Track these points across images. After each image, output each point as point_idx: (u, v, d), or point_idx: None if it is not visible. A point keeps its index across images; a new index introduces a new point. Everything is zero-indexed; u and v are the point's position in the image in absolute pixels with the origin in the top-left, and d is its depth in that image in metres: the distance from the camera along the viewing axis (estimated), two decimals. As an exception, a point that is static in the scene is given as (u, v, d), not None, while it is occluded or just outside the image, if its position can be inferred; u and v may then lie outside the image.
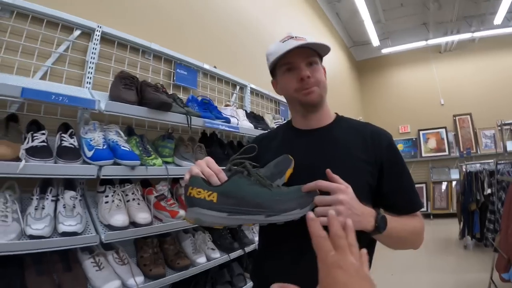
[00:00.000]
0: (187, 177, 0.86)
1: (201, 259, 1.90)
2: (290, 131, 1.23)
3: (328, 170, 0.90)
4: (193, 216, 0.81)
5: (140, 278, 1.55)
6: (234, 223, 0.85)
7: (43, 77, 1.69)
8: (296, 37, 1.09)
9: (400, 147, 9.11)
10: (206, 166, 0.88)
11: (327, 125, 1.17)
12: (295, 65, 1.10)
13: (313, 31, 6.36)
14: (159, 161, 1.72)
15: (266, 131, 1.42)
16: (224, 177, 0.87)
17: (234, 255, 2.17)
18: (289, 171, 1.01)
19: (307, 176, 0.96)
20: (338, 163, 1.04)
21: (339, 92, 7.84)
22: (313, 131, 1.16)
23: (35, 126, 1.49)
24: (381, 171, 1.07)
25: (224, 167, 0.92)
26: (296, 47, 1.05)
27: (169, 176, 1.73)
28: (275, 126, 2.77)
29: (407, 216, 1.08)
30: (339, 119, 1.22)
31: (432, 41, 8.59)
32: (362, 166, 1.06)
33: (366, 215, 0.88)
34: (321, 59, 1.17)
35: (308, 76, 1.07)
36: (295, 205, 0.85)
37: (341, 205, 0.81)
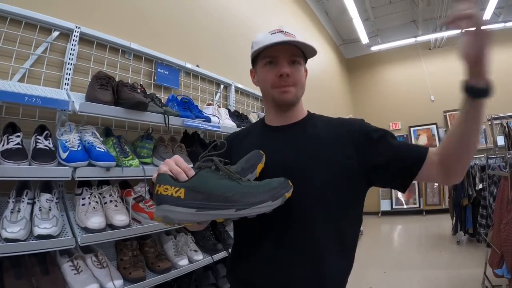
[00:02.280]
0: (155, 176, 0.84)
1: (183, 262, 1.88)
2: (263, 128, 1.22)
3: None
4: (161, 214, 0.78)
5: (119, 282, 1.53)
6: (203, 219, 0.82)
7: (21, 79, 1.67)
8: (286, 32, 1.07)
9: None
10: (175, 164, 0.86)
11: (299, 120, 1.16)
12: (277, 59, 1.07)
13: (301, 29, 6.32)
14: (136, 161, 1.70)
15: (239, 129, 1.40)
16: (193, 174, 0.85)
17: (218, 256, 2.13)
18: (260, 166, 0.99)
19: (279, 172, 0.96)
20: (310, 157, 1.04)
21: (328, 90, 7.85)
22: (285, 127, 1.15)
23: (11, 128, 1.47)
24: (363, 148, 1.02)
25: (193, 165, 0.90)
26: (283, 42, 1.03)
27: (147, 177, 1.71)
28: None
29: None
30: (310, 115, 1.21)
31: (421, 38, 8.62)
32: (339, 154, 1.03)
33: None
34: (305, 61, 1.15)
35: (287, 74, 1.05)
36: (267, 197, 0.83)
37: None
